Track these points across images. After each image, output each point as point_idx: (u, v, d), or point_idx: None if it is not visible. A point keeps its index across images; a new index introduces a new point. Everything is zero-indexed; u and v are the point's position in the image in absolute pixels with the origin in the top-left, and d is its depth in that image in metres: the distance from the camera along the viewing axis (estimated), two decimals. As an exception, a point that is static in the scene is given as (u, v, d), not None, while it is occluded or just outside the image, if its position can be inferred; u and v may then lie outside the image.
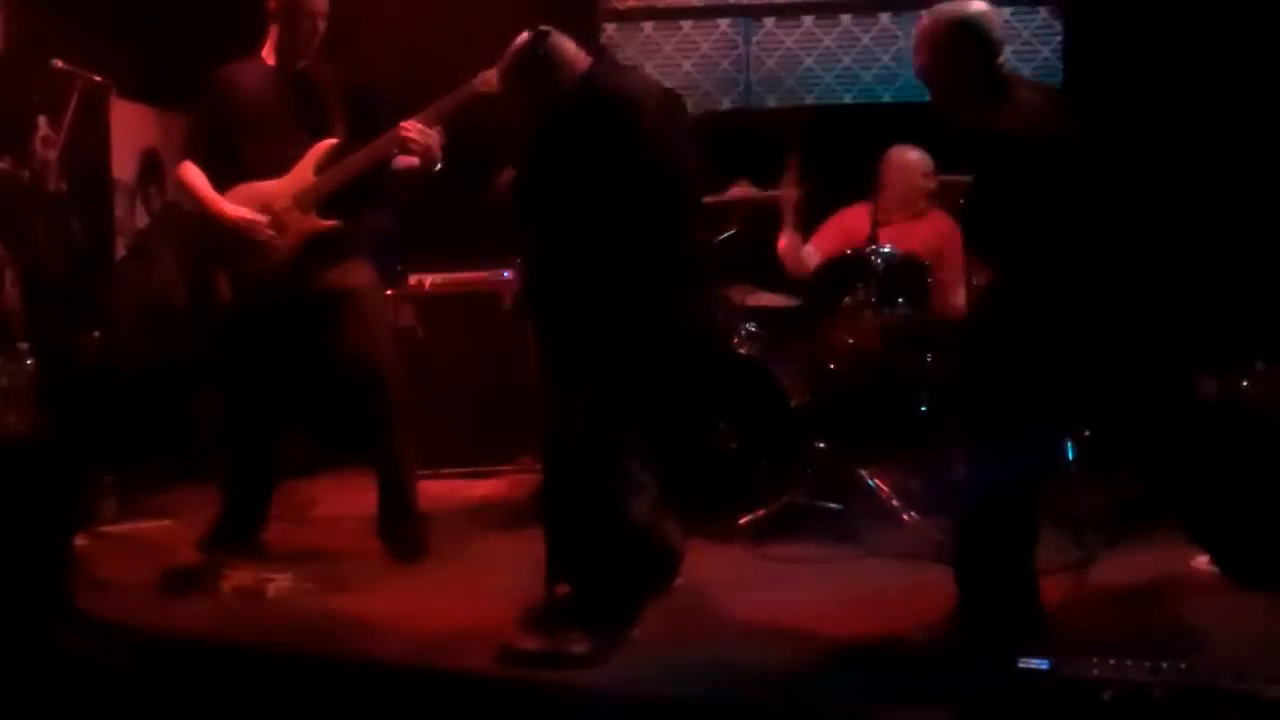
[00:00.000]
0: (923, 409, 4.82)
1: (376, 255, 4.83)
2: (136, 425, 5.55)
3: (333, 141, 4.49)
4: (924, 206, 5.26)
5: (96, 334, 5.35)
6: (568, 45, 3.79)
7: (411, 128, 4.32)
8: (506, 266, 5.92)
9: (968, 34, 3.45)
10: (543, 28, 3.76)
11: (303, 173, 4.48)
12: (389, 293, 5.82)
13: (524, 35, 3.77)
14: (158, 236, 6.24)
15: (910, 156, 5.21)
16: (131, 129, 6.02)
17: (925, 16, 3.54)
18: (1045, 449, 3.60)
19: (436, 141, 4.33)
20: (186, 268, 6.09)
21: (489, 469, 5.91)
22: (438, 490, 5.37)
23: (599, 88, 3.71)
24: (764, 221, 5.31)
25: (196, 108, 4.61)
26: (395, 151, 4.39)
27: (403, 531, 4.59)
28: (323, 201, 4.47)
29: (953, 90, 3.49)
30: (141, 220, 6.22)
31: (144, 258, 6.16)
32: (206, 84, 4.56)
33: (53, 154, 4.86)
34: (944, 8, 3.52)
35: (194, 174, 4.53)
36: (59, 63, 4.76)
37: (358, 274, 4.58)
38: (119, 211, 6.03)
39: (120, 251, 6.06)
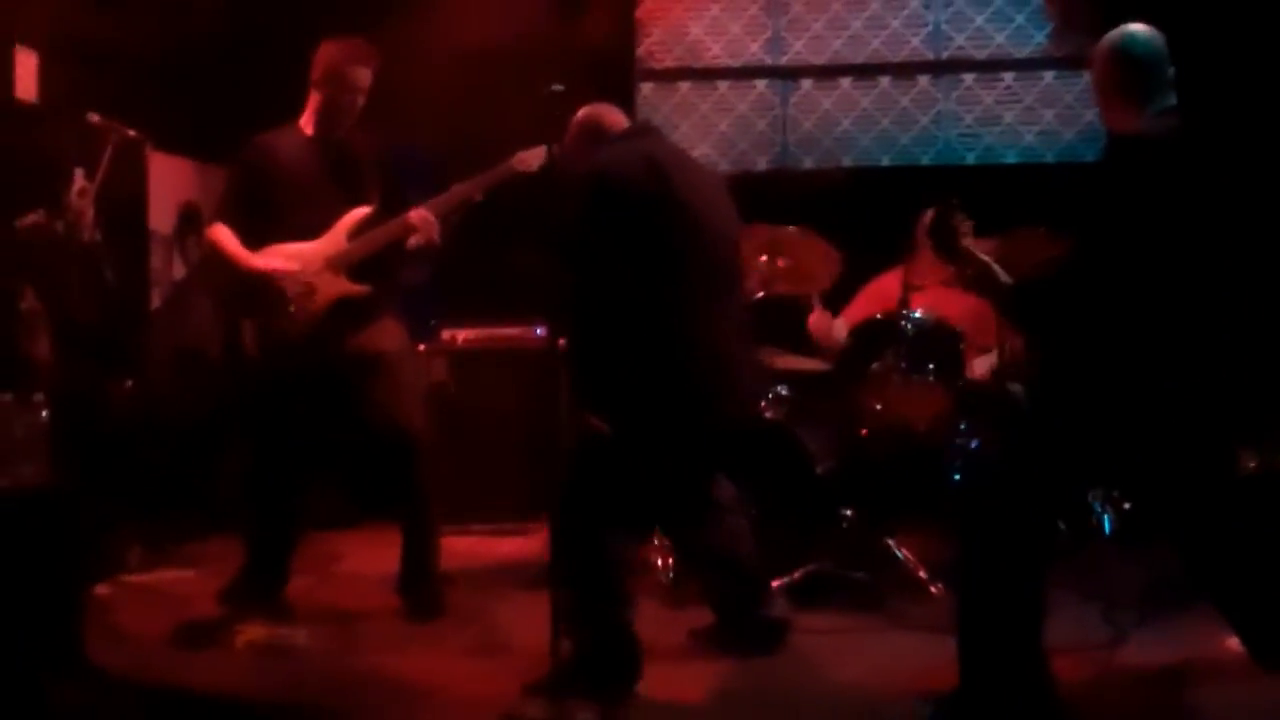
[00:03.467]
0: (954, 477, 4.73)
1: (410, 310, 4.86)
2: (167, 475, 5.57)
3: (366, 210, 4.54)
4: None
5: (129, 383, 5.37)
6: (608, 119, 3.91)
7: (416, 218, 4.41)
8: (539, 323, 5.92)
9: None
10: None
11: (335, 238, 4.52)
12: (421, 348, 5.96)
13: (583, 111, 3.90)
14: (194, 288, 6.28)
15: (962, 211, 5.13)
16: (170, 182, 6.09)
17: None
18: (1049, 517, 3.50)
19: (435, 232, 4.41)
20: (222, 320, 6.11)
21: (517, 526, 5.89)
22: (463, 547, 5.36)
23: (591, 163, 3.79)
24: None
25: (233, 171, 4.65)
26: (405, 234, 4.46)
27: (422, 590, 4.58)
28: (354, 266, 4.51)
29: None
30: (179, 271, 6.26)
31: (179, 309, 6.20)
32: (244, 148, 4.60)
33: (88, 206, 4.87)
34: None
35: (224, 234, 4.56)
36: (94, 116, 4.81)
37: (389, 337, 4.61)
38: (156, 262, 6.09)
39: (156, 302, 6.08)
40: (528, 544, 5.67)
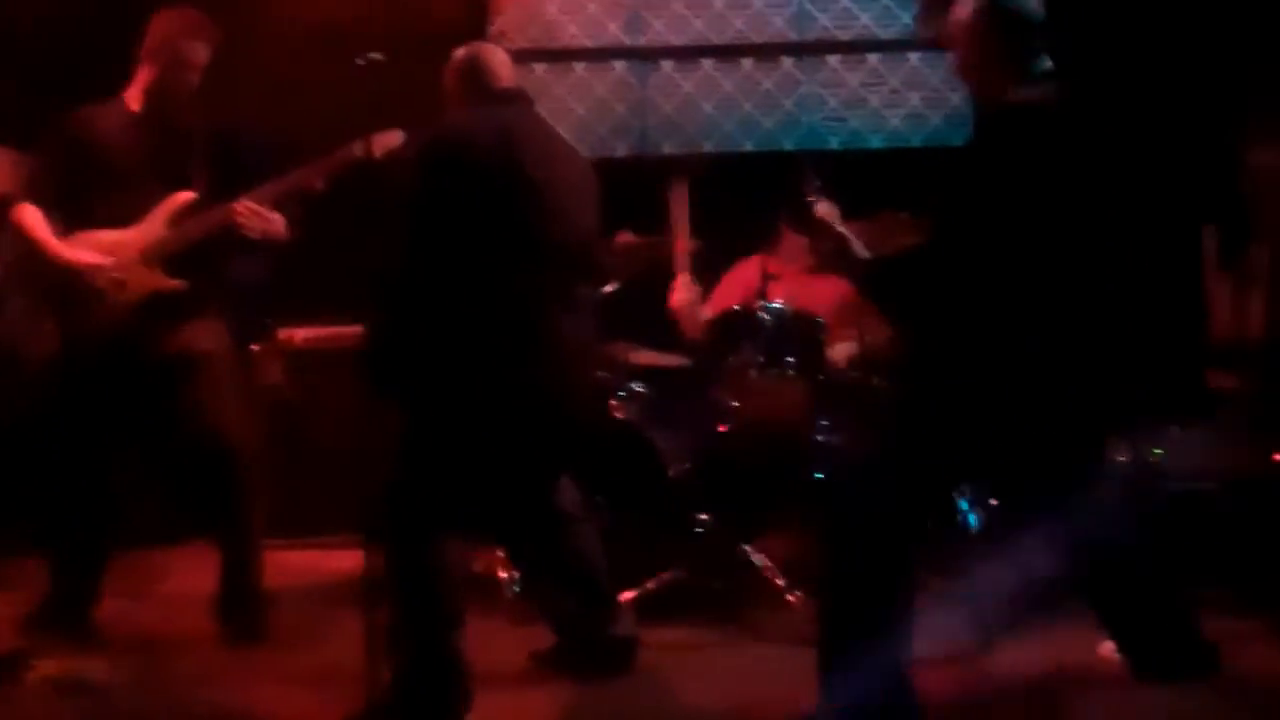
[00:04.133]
0: (815, 477, 4.52)
1: (245, 307, 4.68)
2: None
3: (190, 195, 4.26)
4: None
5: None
6: (486, 70, 3.71)
7: (243, 210, 4.14)
8: None
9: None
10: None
11: (153, 225, 4.24)
12: (255, 348, 5.69)
13: (462, 52, 3.76)
14: (8, 286, 5.86)
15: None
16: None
17: None
18: (917, 518, 3.33)
19: (274, 225, 4.17)
20: (38, 317, 5.72)
21: (357, 538, 5.53)
22: (299, 562, 5.12)
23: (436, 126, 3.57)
24: (655, 275, 5.08)
25: (43, 150, 4.36)
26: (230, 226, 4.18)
27: (242, 613, 4.31)
28: (172, 258, 4.23)
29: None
30: (-4, 269, 5.86)
31: (-8, 307, 5.79)
32: (56, 126, 4.33)
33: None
34: None
35: (31, 216, 4.27)
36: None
37: (208, 337, 4.35)
38: (-35, 260, 5.65)
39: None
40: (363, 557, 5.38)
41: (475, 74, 3.72)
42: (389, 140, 4.09)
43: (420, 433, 3.51)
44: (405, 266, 3.47)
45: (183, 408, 4.24)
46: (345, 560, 5.11)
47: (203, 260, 4.25)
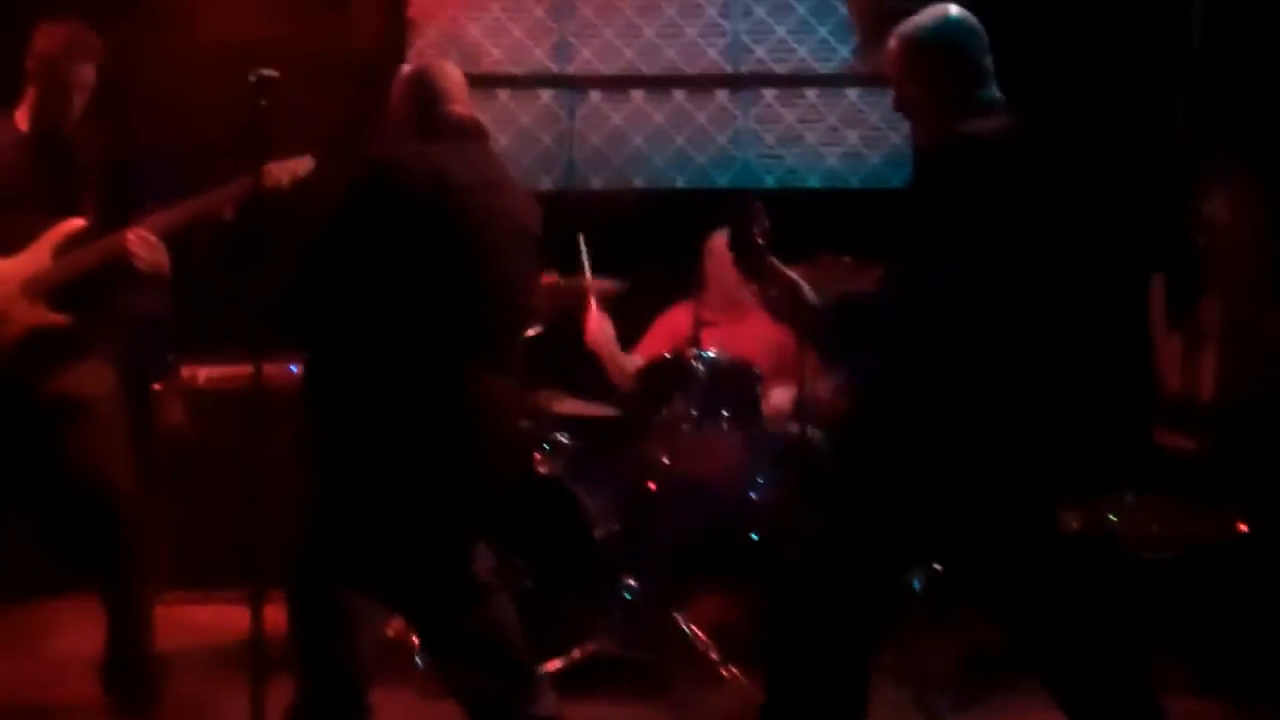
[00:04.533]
0: (752, 537, 4.35)
1: (145, 343, 4.56)
2: None
3: (78, 223, 4.01)
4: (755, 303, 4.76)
5: None
6: (439, 93, 3.45)
7: (135, 239, 3.91)
8: (294, 359, 5.30)
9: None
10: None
11: (37, 255, 3.98)
12: (156, 387, 5.46)
13: (413, 68, 3.53)
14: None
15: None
16: None
17: None
18: (871, 588, 3.11)
19: (161, 256, 3.93)
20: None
21: (269, 591, 5.28)
22: (202, 618, 4.88)
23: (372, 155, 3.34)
24: (579, 317, 4.91)
25: None
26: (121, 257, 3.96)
27: (129, 678, 4.05)
28: (57, 291, 3.98)
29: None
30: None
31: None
32: None
33: None
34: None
35: None
36: None
37: (94, 379, 4.08)
38: None
39: None
40: (275, 614, 5.06)
41: (424, 97, 3.45)
42: (297, 167, 3.95)
43: (334, 482, 3.34)
44: (322, 301, 3.28)
45: (65, 453, 4.00)
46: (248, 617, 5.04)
47: (90, 294, 4.00)
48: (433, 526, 3.34)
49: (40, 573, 5.04)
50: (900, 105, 3.19)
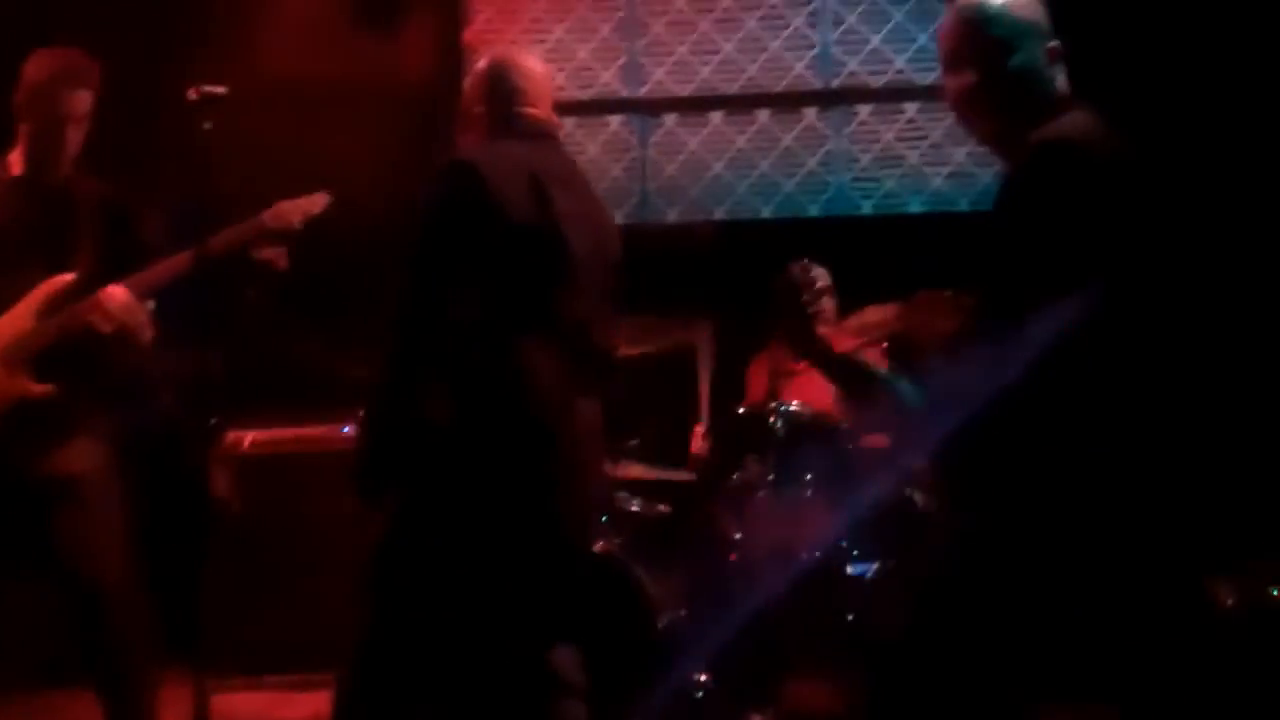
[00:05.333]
0: (847, 619, 4.03)
1: (184, 404, 4.39)
2: None
3: (67, 278, 3.80)
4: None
5: None
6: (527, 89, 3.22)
7: (105, 299, 3.74)
8: (348, 420, 5.26)
9: None
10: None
11: (20, 317, 3.78)
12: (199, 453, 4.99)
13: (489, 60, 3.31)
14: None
15: (813, 276, 4.53)
16: None
17: None
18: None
19: (135, 317, 3.76)
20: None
21: (322, 677, 4.84)
22: (253, 706, 4.78)
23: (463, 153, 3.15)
24: (657, 371, 4.76)
25: None
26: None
27: None
28: (38, 359, 3.78)
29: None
30: None
31: None
32: None
33: None
34: None
35: None
36: None
37: (81, 457, 3.87)
38: None
39: None
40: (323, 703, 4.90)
41: (502, 92, 3.22)
42: (311, 205, 3.79)
43: (408, 553, 3.09)
44: (401, 346, 3.04)
45: (52, 540, 3.85)
46: (304, 704, 4.92)
47: (78, 360, 3.81)
48: (525, 598, 3.10)
49: (46, 660, 4.93)
50: (972, 134, 2.99)
